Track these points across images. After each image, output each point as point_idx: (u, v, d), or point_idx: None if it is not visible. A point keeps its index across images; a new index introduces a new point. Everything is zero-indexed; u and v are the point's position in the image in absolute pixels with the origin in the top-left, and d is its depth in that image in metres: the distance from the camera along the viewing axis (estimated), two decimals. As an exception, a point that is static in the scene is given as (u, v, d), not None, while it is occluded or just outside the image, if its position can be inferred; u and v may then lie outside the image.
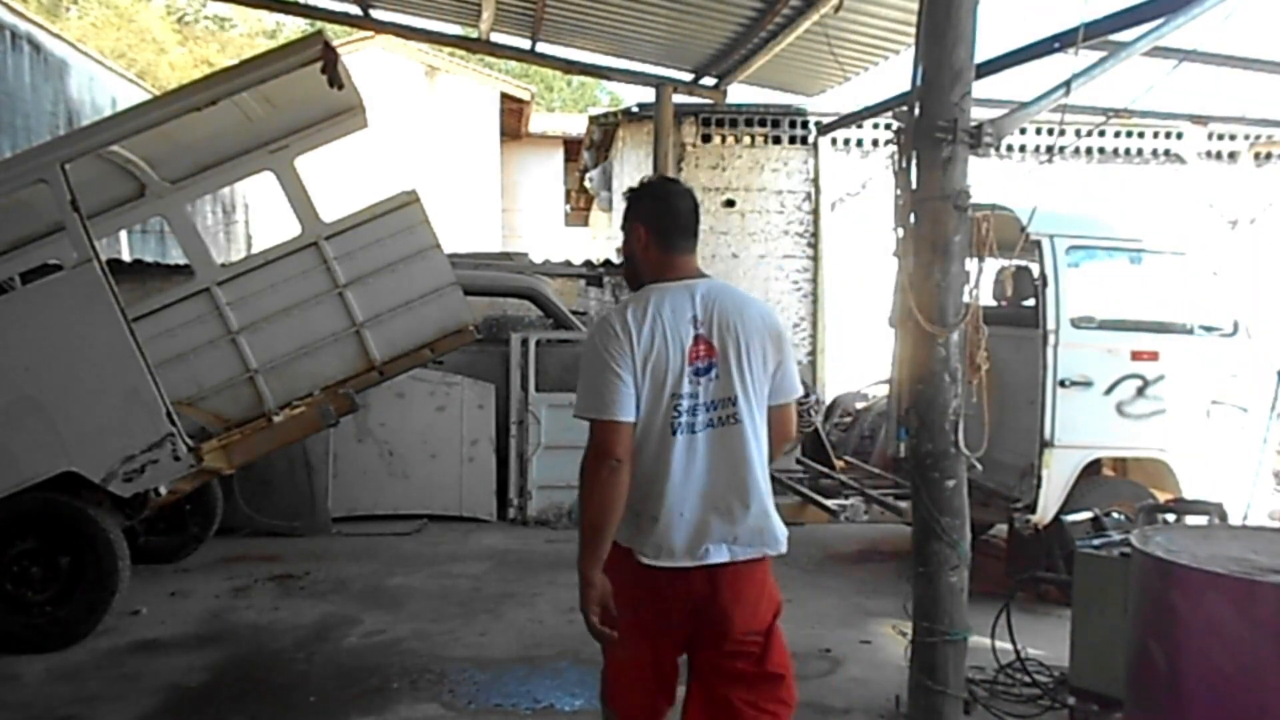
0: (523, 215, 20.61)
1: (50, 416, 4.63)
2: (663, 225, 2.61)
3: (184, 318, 5.48)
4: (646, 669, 2.60)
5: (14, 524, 4.72)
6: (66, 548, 4.72)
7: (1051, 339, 5.20)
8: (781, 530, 2.60)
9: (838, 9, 7.49)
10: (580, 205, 21.22)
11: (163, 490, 4.85)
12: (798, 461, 7.92)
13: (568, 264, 10.99)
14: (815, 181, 11.24)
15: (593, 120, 13.71)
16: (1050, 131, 10.96)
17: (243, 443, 5.19)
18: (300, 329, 5.52)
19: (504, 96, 19.28)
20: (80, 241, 4.68)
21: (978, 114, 3.76)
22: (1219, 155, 11.58)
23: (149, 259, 10.53)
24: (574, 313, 9.08)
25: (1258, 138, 11.53)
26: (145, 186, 5.73)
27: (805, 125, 11.28)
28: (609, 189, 14.32)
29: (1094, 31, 5.23)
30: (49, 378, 4.65)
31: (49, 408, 4.64)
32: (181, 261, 8.22)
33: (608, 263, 11.64)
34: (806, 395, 8.08)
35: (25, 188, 4.81)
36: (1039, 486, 5.18)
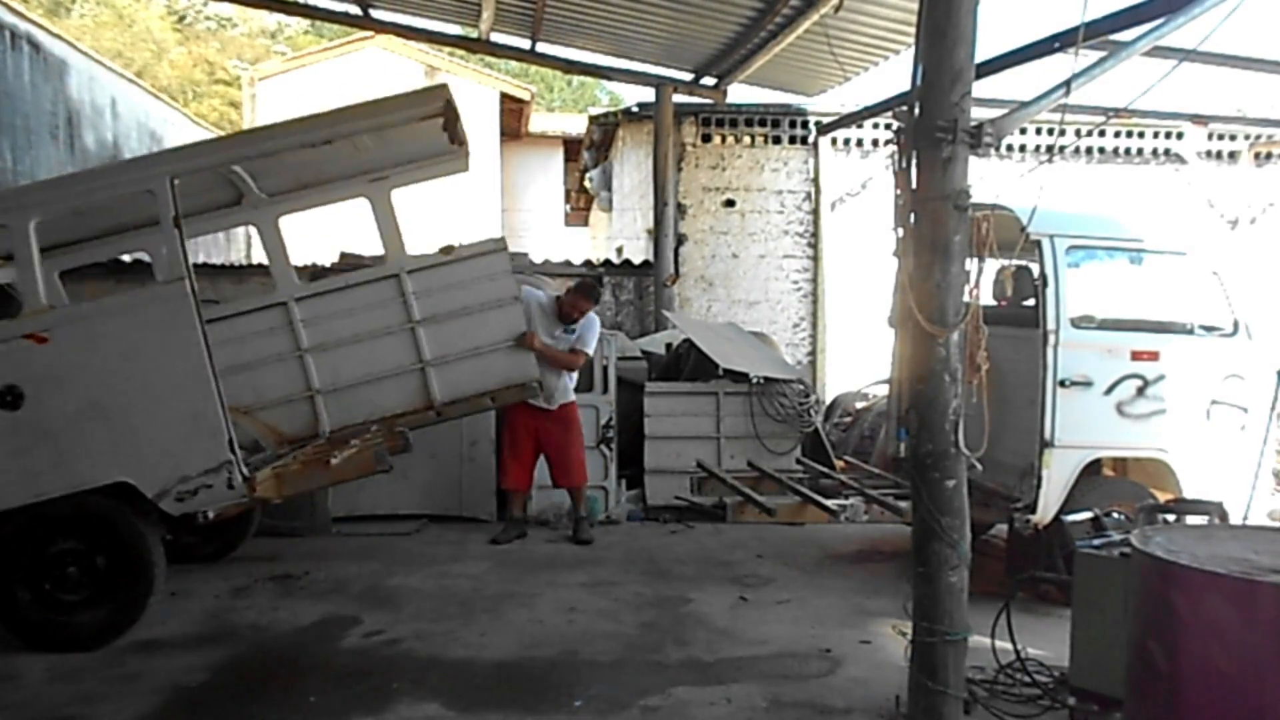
0: (523, 215, 20.57)
1: (115, 426, 4.60)
2: None
3: (257, 327, 5.52)
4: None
5: (54, 525, 4.66)
6: (103, 549, 4.68)
7: (1051, 339, 5.19)
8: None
9: (838, 9, 7.49)
10: (580, 205, 21.22)
11: (210, 514, 4.81)
12: (798, 461, 7.91)
13: (568, 264, 10.99)
14: (815, 181, 11.24)
15: (593, 120, 13.69)
16: (1050, 131, 10.98)
17: (297, 476, 5.08)
18: (368, 357, 5.56)
19: (504, 96, 19.25)
20: (176, 259, 4.65)
21: (978, 114, 3.76)
22: (1219, 155, 11.58)
23: (148, 259, 10.55)
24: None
25: (1258, 138, 11.54)
26: (243, 196, 5.75)
27: (805, 125, 11.28)
28: (609, 189, 14.31)
29: (1094, 31, 5.24)
30: (121, 388, 4.62)
31: (115, 417, 4.61)
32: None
33: (608, 263, 11.66)
34: (806, 395, 8.08)
35: (130, 195, 4.83)
36: (1039, 486, 5.17)
